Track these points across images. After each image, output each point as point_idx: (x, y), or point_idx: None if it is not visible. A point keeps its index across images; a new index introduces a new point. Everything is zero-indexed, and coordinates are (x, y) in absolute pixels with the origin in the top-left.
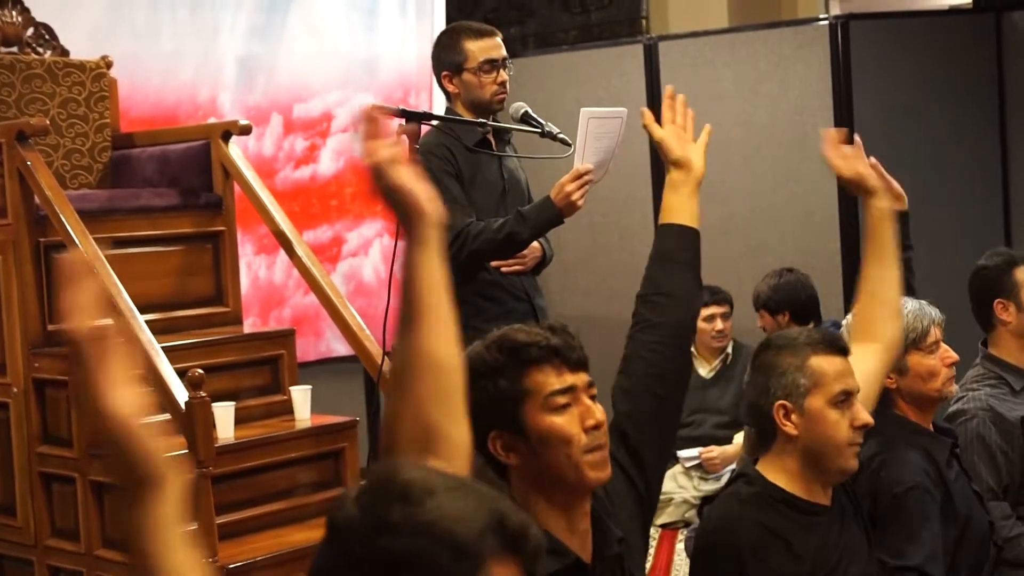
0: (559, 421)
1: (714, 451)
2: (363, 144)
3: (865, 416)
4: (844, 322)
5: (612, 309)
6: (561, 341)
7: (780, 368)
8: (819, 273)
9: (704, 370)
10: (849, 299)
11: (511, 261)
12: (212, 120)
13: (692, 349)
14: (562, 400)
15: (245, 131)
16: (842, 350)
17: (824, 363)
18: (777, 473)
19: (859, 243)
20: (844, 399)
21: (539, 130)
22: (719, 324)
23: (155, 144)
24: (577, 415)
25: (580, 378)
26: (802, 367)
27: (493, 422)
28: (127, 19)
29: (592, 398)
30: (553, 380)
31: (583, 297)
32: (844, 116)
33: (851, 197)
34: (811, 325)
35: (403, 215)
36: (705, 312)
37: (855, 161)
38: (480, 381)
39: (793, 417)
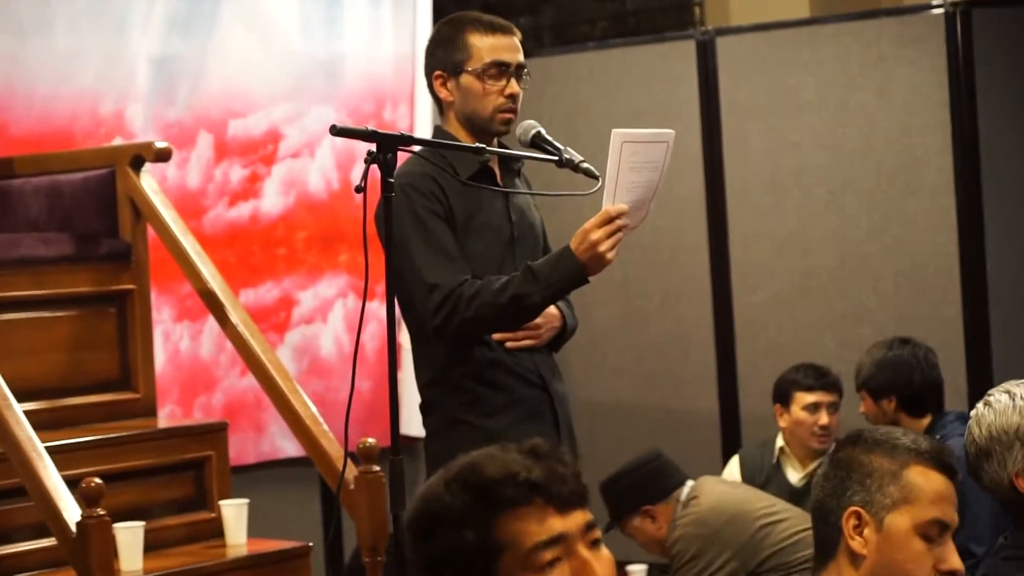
0: None
1: None
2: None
3: (956, 561)
4: (973, 414)
5: (651, 395)
6: (546, 472)
7: (867, 467)
8: (934, 347)
9: (796, 475)
10: (975, 383)
11: (520, 333)
12: (118, 141)
13: (781, 446)
14: (548, 555)
15: (163, 156)
16: (950, 470)
17: (924, 479)
18: None
19: (988, 307)
20: (936, 531)
21: (556, 158)
22: (824, 417)
23: (42, 173)
24: (570, 573)
25: (573, 521)
26: (896, 474)
27: None
28: (6, 9)
29: (594, 544)
30: (535, 529)
31: (614, 379)
32: (966, 134)
33: (975, 244)
34: (927, 418)
35: None
36: (808, 398)
37: None
38: (438, 531)
39: (866, 532)
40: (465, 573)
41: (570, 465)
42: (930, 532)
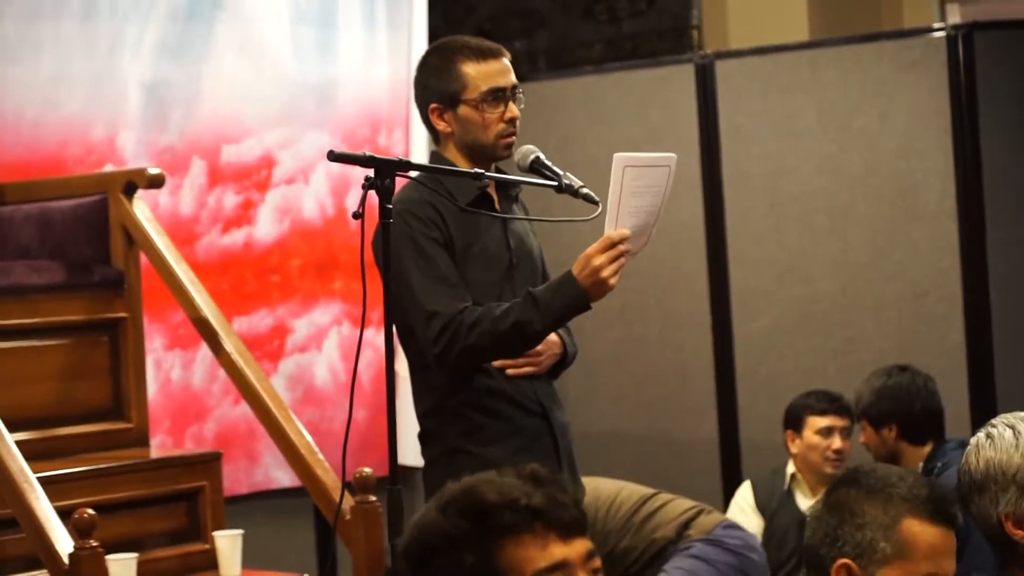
0: None
1: None
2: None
3: None
4: (972, 442)
5: (650, 424)
6: (546, 498)
7: (860, 517)
8: (936, 374)
9: (807, 502)
10: (978, 409)
11: (521, 360)
12: (110, 168)
13: (792, 473)
14: None
15: (155, 183)
16: (948, 519)
17: (920, 531)
18: None
19: (991, 334)
20: None
21: (556, 183)
22: (837, 441)
23: (32, 200)
24: None
25: (574, 548)
26: (889, 528)
27: None
28: None
29: (594, 573)
30: (536, 555)
31: (612, 407)
32: (969, 159)
33: (978, 270)
34: (928, 445)
35: None
36: (821, 423)
37: None
38: (436, 557)
39: None
40: None
41: (570, 492)
42: None
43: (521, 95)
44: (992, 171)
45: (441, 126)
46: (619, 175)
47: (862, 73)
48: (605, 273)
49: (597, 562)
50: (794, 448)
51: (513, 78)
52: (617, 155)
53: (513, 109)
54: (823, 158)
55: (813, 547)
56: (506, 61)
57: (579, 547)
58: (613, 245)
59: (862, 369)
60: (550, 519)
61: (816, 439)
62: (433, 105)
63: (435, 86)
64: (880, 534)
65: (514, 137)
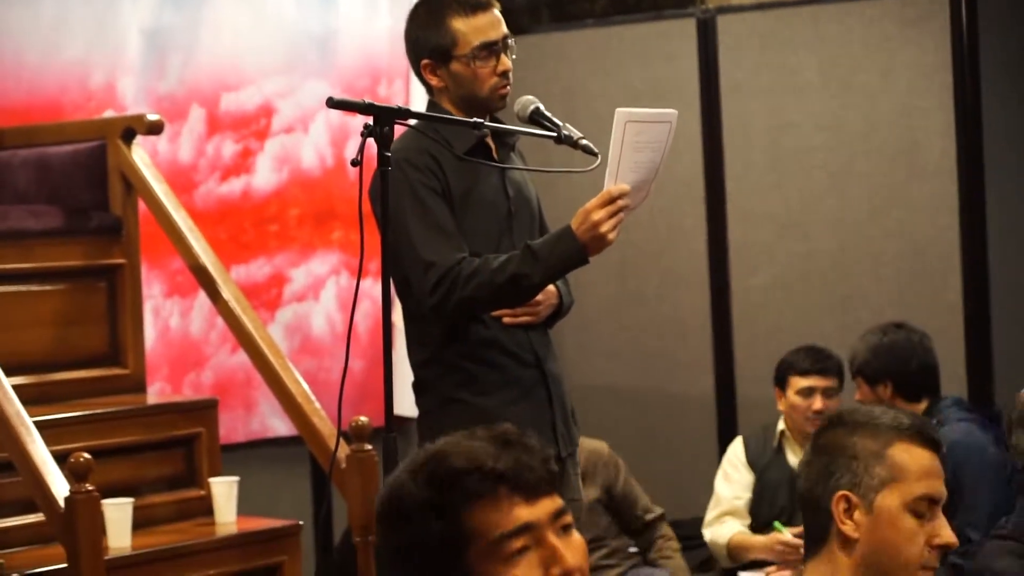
0: (516, 574)
1: None
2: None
3: (949, 535)
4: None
5: (646, 378)
6: (512, 461)
7: (851, 450)
8: (933, 332)
9: (795, 459)
10: (975, 367)
11: (519, 310)
12: (109, 113)
13: (782, 430)
14: (516, 544)
15: (154, 129)
16: (933, 443)
17: (909, 455)
18: None
19: (988, 292)
20: (926, 507)
21: (555, 134)
22: (818, 402)
23: (31, 145)
24: (538, 562)
25: (542, 509)
26: (880, 454)
27: None
28: None
29: (564, 529)
30: (501, 519)
31: (608, 361)
32: (970, 117)
33: (977, 228)
34: (924, 403)
35: None
36: (802, 383)
37: None
38: (406, 524)
39: (856, 515)
40: (433, 565)
41: (538, 452)
42: (920, 508)
43: (513, 44)
44: (993, 130)
45: (434, 81)
46: (620, 130)
47: (864, 29)
48: (604, 228)
49: (568, 518)
50: (780, 406)
51: (504, 29)
52: (619, 110)
53: (505, 61)
54: (824, 114)
55: (808, 490)
56: (496, 12)
57: (547, 507)
58: (612, 200)
59: (860, 326)
60: (515, 482)
61: (797, 399)
62: (425, 61)
63: (425, 42)
64: (873, 460)
65: (508, 88)
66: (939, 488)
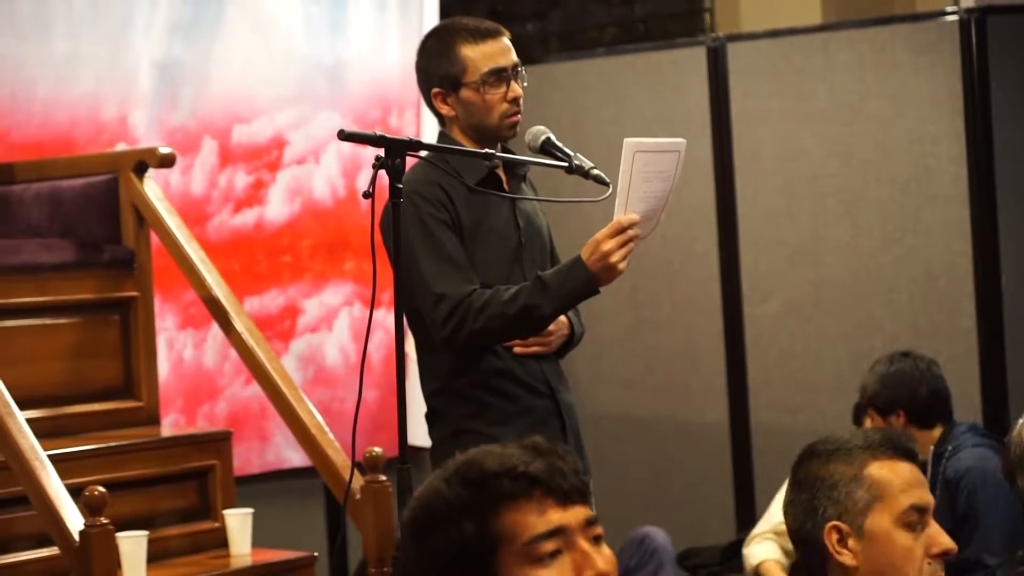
0: (545, 575)
1: None
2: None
3: (946, 541)
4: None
5: (660, 406)
6: (545, 466)
7: (829, 480)
8: (947, 358)
9: None
10: (989, 392)
11: (531, 340)
12: (121, 147)
13: None
14: (548, 547)
15: (166, 162)
16: (908, 454)
17: (888, 471)
18: None
19: (1002, 317)
20: (916, 517)
21: (566, 164)
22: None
23: (43, 179)
24: (570, 566)
25: (574, 515)
26: (859, 476)
27: None
28: (5, 11)
29: (595, 540)
30: (535, 521)
31: (622, 391)
32: (981, 143)
33: (990, 254)
34: (938, 429)
35: None
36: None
37: None
38: (439, 528)
39: (850, 543)
40: (464, 568)
41: (570, 461)
42: (910, 519)
43: (523, 72)
44: (1004, 156)
45: (445, 110)
46: (629, 160)
47: (875, 57)
48: (614, 258)
49: (599, 529)
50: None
51: (514, 57)
52: (627, 140)
53: (516, 88)
54: (835, 141)
55: (798, 529)
56: (506, 40)
57: (579, 514)
58: (623, 230)
59: (873, 353)
60: (548, 486)
61: None
62: (435, 90)
63: (435, 70)
64: (853, 484)
65: (518, 116)
66: (925, 496)
